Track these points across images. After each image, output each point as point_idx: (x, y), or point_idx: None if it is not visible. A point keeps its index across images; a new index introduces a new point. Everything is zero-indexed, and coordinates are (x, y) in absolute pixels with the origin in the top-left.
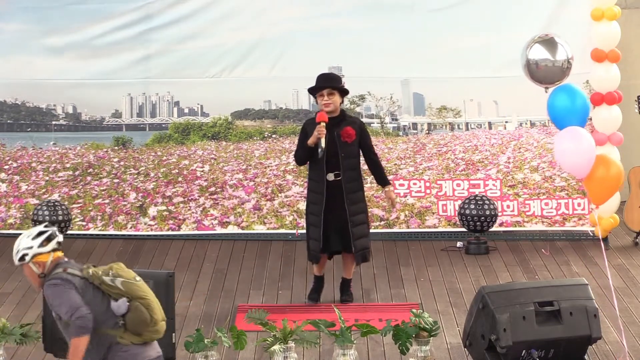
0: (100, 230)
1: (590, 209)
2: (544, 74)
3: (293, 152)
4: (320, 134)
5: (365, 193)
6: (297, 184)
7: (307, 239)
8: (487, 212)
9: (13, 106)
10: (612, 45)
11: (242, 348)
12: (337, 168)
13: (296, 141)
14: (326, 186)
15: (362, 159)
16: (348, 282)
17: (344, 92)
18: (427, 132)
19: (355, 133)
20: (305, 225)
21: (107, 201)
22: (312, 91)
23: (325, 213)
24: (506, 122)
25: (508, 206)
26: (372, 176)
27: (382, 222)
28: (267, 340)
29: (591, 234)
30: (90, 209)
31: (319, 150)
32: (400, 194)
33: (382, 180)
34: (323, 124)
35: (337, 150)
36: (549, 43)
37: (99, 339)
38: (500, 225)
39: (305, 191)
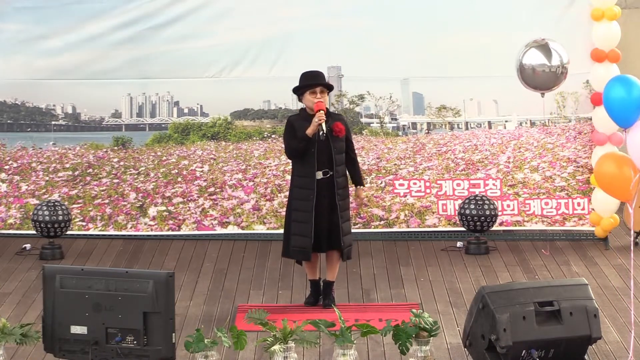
0: (100, 230)
1: (591, 209)
2: (542, 80)
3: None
4: (320, 120)
5: (365, 193)
6: None
7: (289, 236)
8: (487, 212)
9: (13, 106)
10: (612, 45)
11: (242, 348)
12: (328, 164)
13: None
14: (316, 184)
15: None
16: (331, 285)
17: (330, 90)
18: (426, 131)
19: (344, 128)
20: (285, 223)
21: (107, 201)
22: (301, 89)
23: (315, 211)
24: (506, 121)
25: (508, 205)
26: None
27: (382, 222)
28: (267, 340)
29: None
30: (90, 209)
31: (321, 133)
32: (400, 193)
33: (357, 179)
34: (322, 111)
35: (330, 145)
36: (544, 48)
37: None
38: (500, 224)
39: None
